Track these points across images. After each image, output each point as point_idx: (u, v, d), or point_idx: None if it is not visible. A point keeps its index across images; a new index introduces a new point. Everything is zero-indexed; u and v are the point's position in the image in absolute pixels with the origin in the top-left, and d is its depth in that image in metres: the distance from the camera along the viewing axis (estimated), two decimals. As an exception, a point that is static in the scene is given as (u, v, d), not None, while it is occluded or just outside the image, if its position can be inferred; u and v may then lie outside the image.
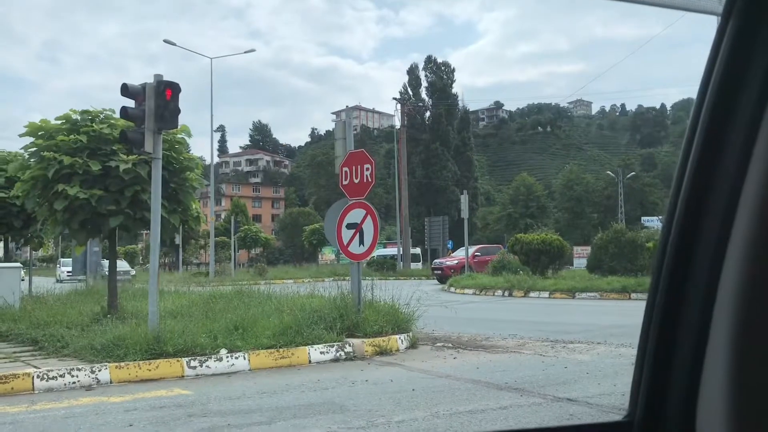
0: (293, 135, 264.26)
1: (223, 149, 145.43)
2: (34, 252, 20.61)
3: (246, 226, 52.72)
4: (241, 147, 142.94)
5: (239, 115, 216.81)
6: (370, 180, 9.62)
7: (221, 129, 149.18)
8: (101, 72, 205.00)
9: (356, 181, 9.74)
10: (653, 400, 1.24)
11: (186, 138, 10.68)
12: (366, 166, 9.66)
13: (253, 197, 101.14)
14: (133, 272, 36.10)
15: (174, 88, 8.03)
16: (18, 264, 13.50)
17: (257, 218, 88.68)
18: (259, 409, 5.71)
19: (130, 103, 8.27)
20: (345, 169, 9.92)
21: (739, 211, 1.06)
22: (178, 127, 8.68)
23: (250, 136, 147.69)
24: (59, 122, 10.00)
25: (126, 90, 8.03)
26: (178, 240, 37.75)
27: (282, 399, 6.15)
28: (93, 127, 9.75)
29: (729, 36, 1.08)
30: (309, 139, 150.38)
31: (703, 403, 1.14)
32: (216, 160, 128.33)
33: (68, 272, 30.17)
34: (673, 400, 1.21)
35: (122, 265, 32.65)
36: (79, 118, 10.03)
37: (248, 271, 41.22)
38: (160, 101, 7.96)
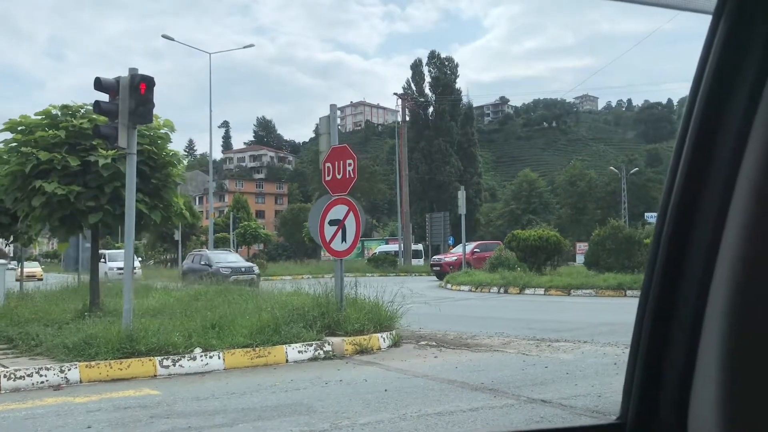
0: (297, 131, 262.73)
1: (227, 145, 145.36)
2: (38, 248, 20.26)
3: (246, 222, 52.55)
4: (245, 143, 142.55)
5: (244, 111, 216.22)
6: (352, 176, 9.45)
7: (225, 125, 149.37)
8: (106, 68, 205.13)
9: (339, 176, 9.58)
10: (646, 400, 1.23)
11: (169, 133, 10.52)
12: (348, 161, 9.50)
13: (257, 193, 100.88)
14: (257, 270, 26.76)
15: (148, 83, 7.86)
16: (2, 261, 13.37)
17: (260, 214, 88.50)
18: (224, 410, 5.57)
19: (106, 97, 8.12)
20: (328, 164, 9.76)
21: (732, 207, 1.07)
22: (153, 122, 8.54)
23: (254, 132, 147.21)
24: (39, 117, 9.87)
25: (99, 84, 7.86)
26: (177, 236, 37.57)
27: (250, 400, 6.01)
28: (72, 122, 9.62)
29: (720, 34, 1.10)
30: (313, 135, 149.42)
31: (696, 401, 1.13)
32: (220, 156, 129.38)
33: (119, 268, 25.06)
34: (665, 400, 1.19)
35: (244, 263, 26.93)
36: (59, 113, 9.91)
37: (248, 267, 40.98)
38: (134, 96, 7.79)
